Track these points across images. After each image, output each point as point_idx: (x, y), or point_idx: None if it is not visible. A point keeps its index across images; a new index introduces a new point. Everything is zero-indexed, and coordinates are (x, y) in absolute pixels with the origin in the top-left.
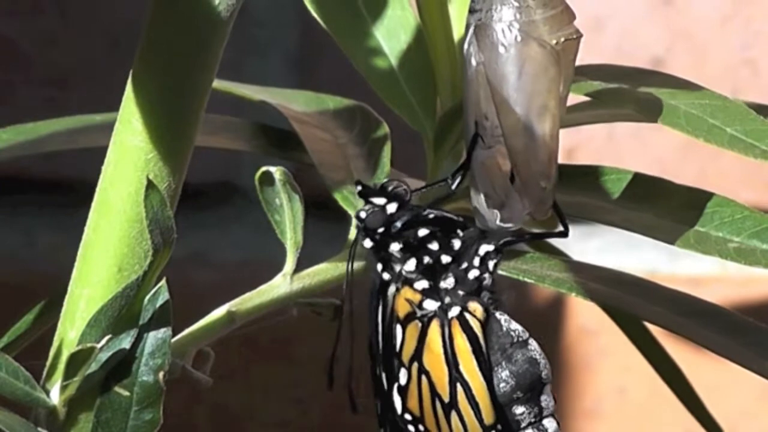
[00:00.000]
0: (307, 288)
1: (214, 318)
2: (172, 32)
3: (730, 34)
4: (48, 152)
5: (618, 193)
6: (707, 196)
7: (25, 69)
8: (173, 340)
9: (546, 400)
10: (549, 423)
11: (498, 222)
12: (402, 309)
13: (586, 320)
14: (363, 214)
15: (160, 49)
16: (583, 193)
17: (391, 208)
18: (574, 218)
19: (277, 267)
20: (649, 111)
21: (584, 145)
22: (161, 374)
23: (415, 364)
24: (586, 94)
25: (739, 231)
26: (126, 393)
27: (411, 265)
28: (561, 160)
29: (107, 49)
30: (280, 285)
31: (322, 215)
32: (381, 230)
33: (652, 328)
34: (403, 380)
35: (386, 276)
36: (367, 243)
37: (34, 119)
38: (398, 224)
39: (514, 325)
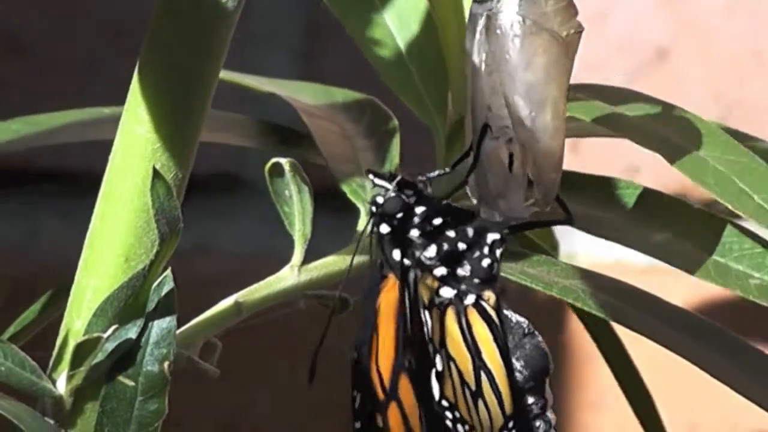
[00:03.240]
0: (314, 280)
1: (221, 309)
2: (179, 22)
3: (736, 24)
4: (54, 143)
5: (631, 210)
6: (723, 224)
7: (30, 60)
8: (180, 331)
9: (548, 392)
10: (551, 415)
11: (503, 212)
12: (425, 295)
13: None
14: (380, 200)
15: (167, 39)
16: (593, 204)
17: (407, 194)
18: (585, 228)
19: (280, 259)
20: (676, 158)
21: (587, 138)
22: (166, 364)
23: (443, 351)
24: (603, 121)
25: (760, 266)
26: (131, 383)
27: (431, 251)
28: (565, 154)
29: (113, 39)
30: (288, 277)
31: (328, 208)
32: (399, 216)
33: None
34: (439, 366)
35: (407, 262)
36: (384, 228)
37: (40, 111)
38: (418, 210)
39: (520, 318)
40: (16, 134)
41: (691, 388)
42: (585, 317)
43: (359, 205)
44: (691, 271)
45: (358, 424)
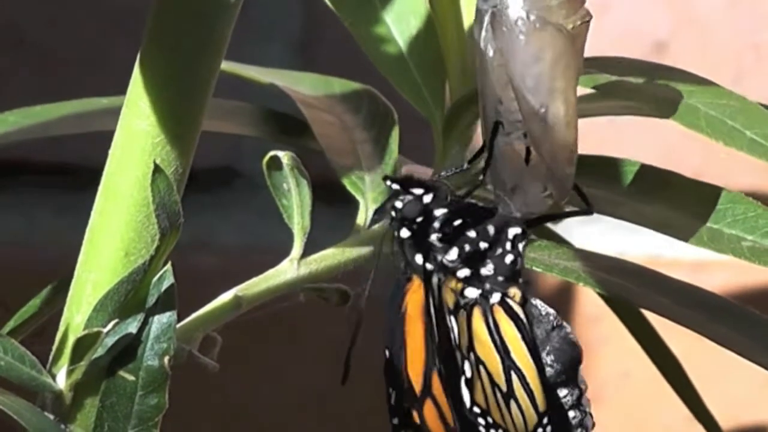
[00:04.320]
0: (314, 273)
1: (220, 303)
2: (180, 14)
3: (735, 17)
4: (52, 136)
5: (627, 185)
6: (718, 191)
7: (30, 52)
8: (180, 325)
9: (582, 380)
10: (586, 402)
11: (520, 207)
12: (450, 299)
13: (590, 306)
14: (399, 204)
15: (168, 32)
16: (591, 184)
17: (425, 196)
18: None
19: (278, 252)
20: (668, 110)
21: (587, 132)
22: (166, 359)
23: (472, 355)
24: (600, 88)
25: (753, 229)
26: (131, 377)
27: (453, 254)
28: None
29: (113, 32)
30: (287, 270)
31: (325, 200)
32: (419, 220)
33: (652, 317)
34: (468, 373)
35: (429, 266)
36: (405, 233)
37: (40, 103)
38: (437, 213)
39: (550, 309)
40: (13, 126)
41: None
42: (615, 305)
43: (358, 197)
44: (685, 238)
45: (395, 420)
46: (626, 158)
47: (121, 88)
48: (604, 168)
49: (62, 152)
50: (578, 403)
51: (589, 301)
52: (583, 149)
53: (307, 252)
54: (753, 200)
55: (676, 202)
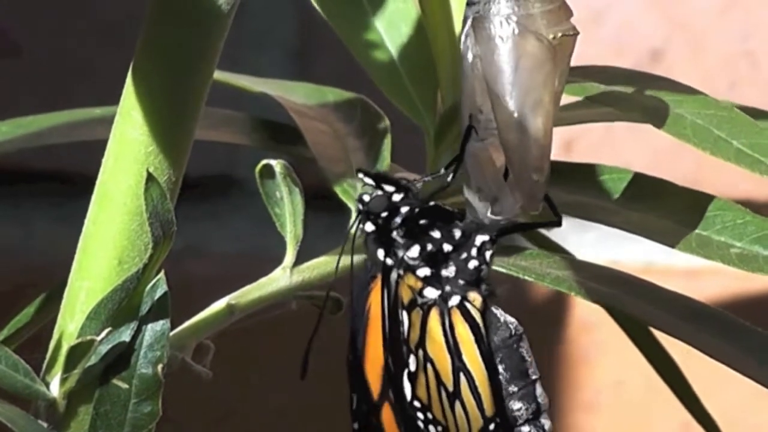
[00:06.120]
0: (306, 281)
1: (213, 311)
2: (173, 24)
3: (729, 24)
4: (46, 144)
5: (618, 193)
6: (708, 198)
7: (20, 62)
8: (173, 333)
9: (542, 397)
10: (545, 420)
11: (490, 214)
12: (406, 295)
13: (585, 313)
14: (366, 198)
15: (161, 41)
16: (582, 192)
17: (395, 194)
18: (571, 213)
19: (273, 259)
20: (656, 119)
21: (581, 137)
22: (160, 366)
23: (421, 352)
24: (590, 98)
25: (741, 236)
26: (125, 385)
27: (414, 251)
28: (559, 153)
29: (106, 42)
30: (280, 278)
31: (320, 207)
32: (384, 215)
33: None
34: (412, 366)
35: (389, 261)
36: (369, 227)
37: (31, 112)
38: (402, 210)
39: (510, 318)
40: (5, 136)
41: None
42: (615, 313)
43: (350, 205)
44: (674, 245)
45: (356, 425)
46: (618, 166)
47: (113, 98)
48: (596, 176)
49: (57, 160)
50: (535, 419)
51: (584, 308)
52: (576, 156)
53: (300, 260)
54: (742, 207)
55: (666, 209)
